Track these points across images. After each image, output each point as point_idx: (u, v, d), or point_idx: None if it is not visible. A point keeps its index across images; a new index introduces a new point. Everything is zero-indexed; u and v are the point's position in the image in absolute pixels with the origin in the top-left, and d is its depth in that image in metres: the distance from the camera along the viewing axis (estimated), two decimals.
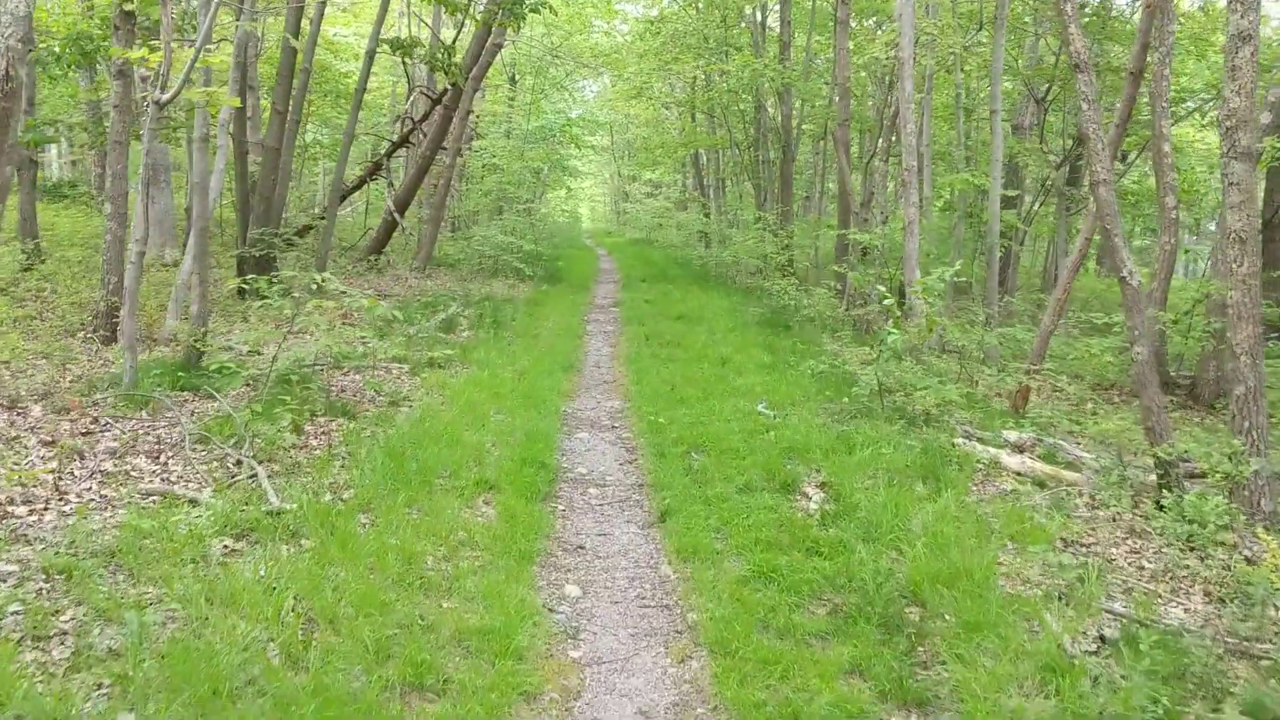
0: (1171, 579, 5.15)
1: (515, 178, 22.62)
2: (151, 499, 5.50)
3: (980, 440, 7.80)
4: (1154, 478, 6.51)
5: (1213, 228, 20.70)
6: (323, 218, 19.22)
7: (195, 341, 8.42)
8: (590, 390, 9.71)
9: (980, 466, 7.04)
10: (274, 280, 13.71)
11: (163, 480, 5.88)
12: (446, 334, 12.22)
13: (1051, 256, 21.00)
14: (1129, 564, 5.38)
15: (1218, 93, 13.41)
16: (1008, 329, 10.52)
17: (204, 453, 6.42)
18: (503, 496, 6.06)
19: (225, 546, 4.90)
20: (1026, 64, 17.57)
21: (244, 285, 13.26)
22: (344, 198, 21.02)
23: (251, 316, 11.71)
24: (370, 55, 13.21)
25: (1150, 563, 5.38)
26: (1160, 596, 4.92)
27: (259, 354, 9.79)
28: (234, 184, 13.22)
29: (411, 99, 19.16)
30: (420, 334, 11.58)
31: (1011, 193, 16.31)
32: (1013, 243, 18.56)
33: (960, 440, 7.47)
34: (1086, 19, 14.42)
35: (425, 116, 18.32)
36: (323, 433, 7.24)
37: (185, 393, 7.89)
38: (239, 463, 6.16)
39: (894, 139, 17.30)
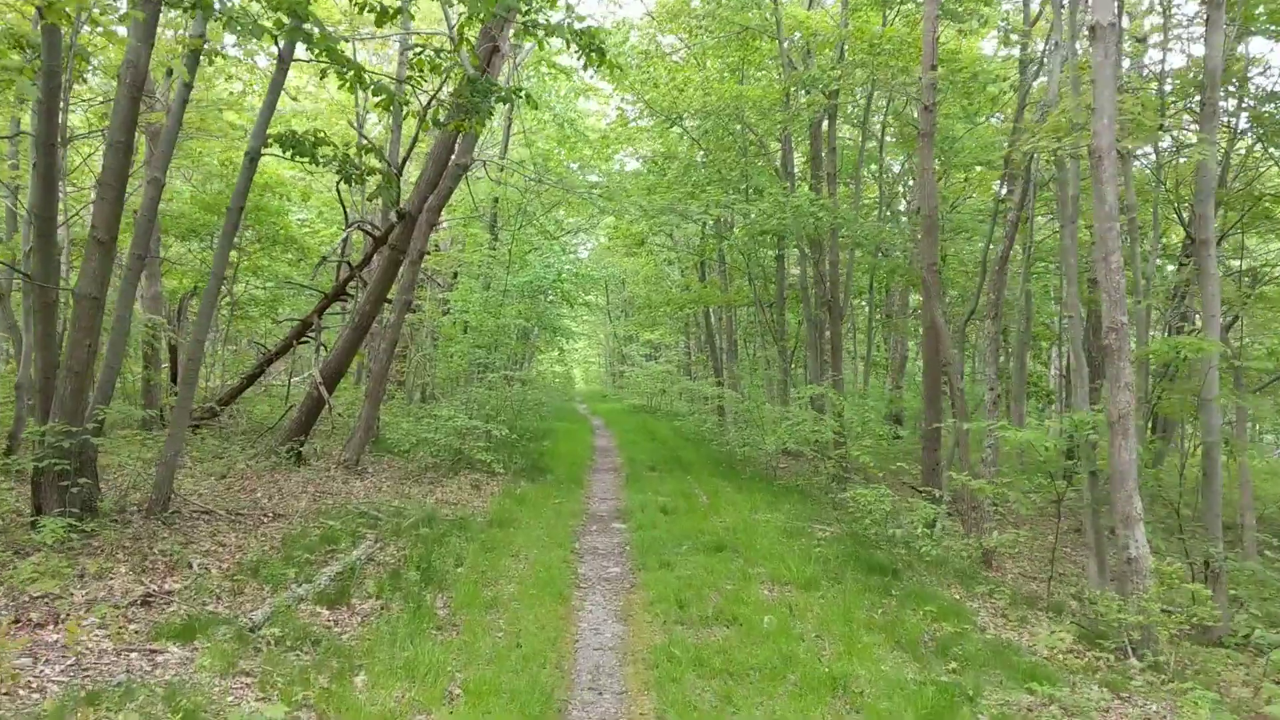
0: None
1: (490, 339, 17.94)
2: None
3: None
4: None
5: None
6: (219, 404, 14.35)
7: None
8: None
9: None
10: (72, 510, 8.35)
11: None
12: (335, 604, 7.10)
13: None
14: None
15: None
16: None
17: None
18: None
19: None
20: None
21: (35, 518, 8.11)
22: (267, 364, 16.27)
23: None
24: (252, 157, 8.71)
25: None
26: None
27: None
28: (36, 350, 8.39)
29: (345, 236, 14.64)
30: (277, 615, 6.46)
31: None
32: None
33: None
34: None
35: (366, 260, 13.78)
36: None
37: None
38: None
39: (995, 292, 12.82)
